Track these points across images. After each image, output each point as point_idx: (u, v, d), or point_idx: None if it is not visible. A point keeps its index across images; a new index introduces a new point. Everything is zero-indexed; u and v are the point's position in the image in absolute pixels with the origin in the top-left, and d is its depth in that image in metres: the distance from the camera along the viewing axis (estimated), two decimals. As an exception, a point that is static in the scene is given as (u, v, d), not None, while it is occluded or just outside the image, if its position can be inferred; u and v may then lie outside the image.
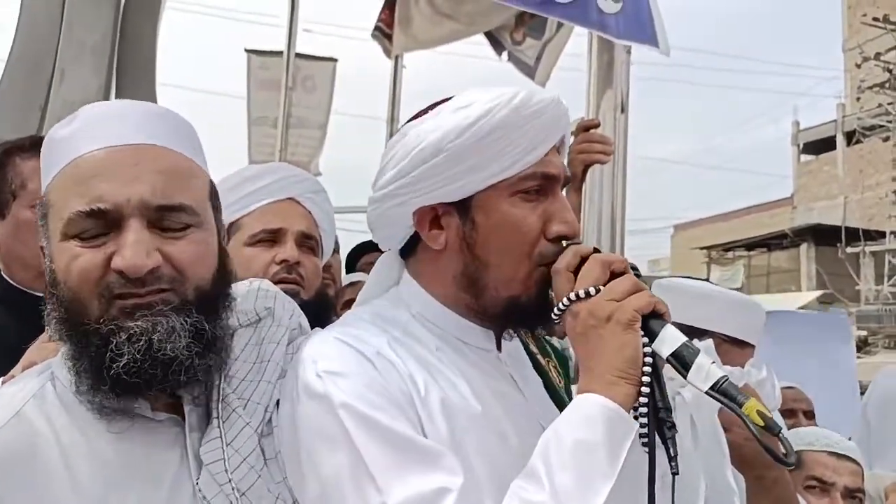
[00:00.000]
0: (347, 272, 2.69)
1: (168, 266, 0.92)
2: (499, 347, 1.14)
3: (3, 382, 1.10)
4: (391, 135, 1.15)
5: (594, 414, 0.92)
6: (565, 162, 1.15)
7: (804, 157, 30.69)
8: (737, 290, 2.51)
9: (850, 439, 2.12)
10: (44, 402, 0.94)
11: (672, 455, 0.93)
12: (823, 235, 25.36)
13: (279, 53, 5.61)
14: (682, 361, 0.95)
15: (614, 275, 1.00)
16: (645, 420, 0.94)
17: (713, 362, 0.95)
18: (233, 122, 6.60)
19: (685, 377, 0.95)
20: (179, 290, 0.93)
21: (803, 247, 26.10)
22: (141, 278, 0.90)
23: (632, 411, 0.95)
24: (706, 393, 0.94)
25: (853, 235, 24.54)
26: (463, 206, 1.06)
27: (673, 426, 0.95)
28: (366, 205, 1.16)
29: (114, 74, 2.77)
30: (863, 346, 17.72)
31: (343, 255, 2.63)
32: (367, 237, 1.61)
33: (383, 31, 4.71)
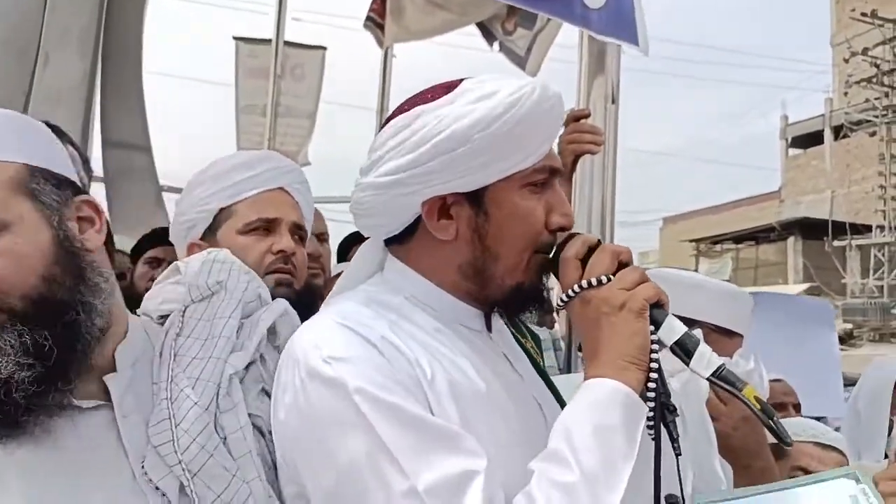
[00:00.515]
0: (339, 262, 2.68)
1: None
2: (489, 328, 1.14)
3: None
4: (381, 124, 1.12)
5: (612, 398, 0.94)
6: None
7: (792, 151, 30.91)
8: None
9: (837, 429, 2.14)
10: None
11: (675, 437, 0.96)
12: (810, 229, 25.58)
13: (268, 41, 5.58)
14: (684, 349, 0.99)
15: (621, 265, 1.02)
16: (652, 404, 0.97)
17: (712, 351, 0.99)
18: (221, 111, 6.56)
19: (688, 364, 0.98)
20: (3, 306, 0.87)
21: (790, 240, 26.33)
22: None
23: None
24: (707, 379, 0.98)
25: (840, 229, 24.78)
26: (475, 197, 1.05)
27: (675, 410, 0.98)
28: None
29: (99, 60, 2.74)
30: (848, 338, 17.91)
31: (332, 244, 2.61)
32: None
33: (375, 21, 4.66)
